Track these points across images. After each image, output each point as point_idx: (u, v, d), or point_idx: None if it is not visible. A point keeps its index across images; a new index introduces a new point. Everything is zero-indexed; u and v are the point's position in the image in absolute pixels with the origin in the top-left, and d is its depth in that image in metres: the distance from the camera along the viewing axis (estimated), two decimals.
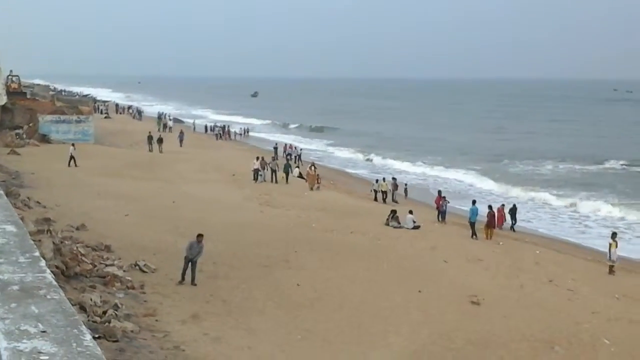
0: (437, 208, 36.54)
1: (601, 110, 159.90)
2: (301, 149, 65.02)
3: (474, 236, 32.29)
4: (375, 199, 42.49)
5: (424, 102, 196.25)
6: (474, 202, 35.17)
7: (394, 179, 45.72)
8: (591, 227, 38.82)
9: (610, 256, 27.13)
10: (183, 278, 20.55)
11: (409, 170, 61.13)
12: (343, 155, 72.80)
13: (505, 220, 35.60)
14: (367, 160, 68.71)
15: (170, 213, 31.15)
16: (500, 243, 31.31)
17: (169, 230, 27.42)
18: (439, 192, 38.82)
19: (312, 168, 46.08)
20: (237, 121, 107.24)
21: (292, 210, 35.03)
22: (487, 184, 53.13)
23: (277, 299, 20.04)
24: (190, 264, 20.69)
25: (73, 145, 47.29)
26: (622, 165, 64.67)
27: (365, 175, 57.88)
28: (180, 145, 65.21)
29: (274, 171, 45.68)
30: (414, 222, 33.29)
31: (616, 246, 27.27)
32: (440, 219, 35.91)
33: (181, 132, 69.79)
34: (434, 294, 21.82)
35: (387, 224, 33.24)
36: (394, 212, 34.22)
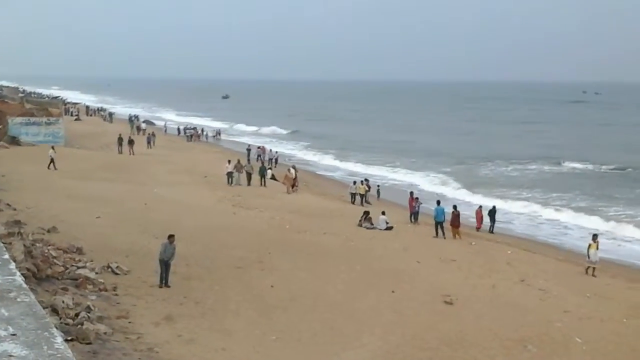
0: (410, 209, 36.64)
1: (566, 112, 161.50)
2: (277, 152, 64.31)
3: (440, 235, 32.65)
4: (353, 202, 42.13)
5: (392, 105, 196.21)
6: (438, 202, 35.46)
7: (366, 180, 45.80)
8: (564, 229, 39.08)
9: (589, 257, 27.14)
10: (161, 281, 20.46)
11: (380, 172, 61.02)
12: (315, 158, 72.43)
13: (483, 221, 35.79)
14: (339, 160, 68.51)
15: (142, 215, 30.95)
16: (473, 243, 31.47)
17: (141, 232, 27.27)
18: (411, 193, 38.93)
19: (291, 171, 45.79)
20: (208, 124, 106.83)
21: (265, 212, 34.97)
22: (454, 186, 53.29)
23: (251, 300, 20.00)
24: (165, 265, 20.63)
25: (53, 148, 46.97)
26: (583, 167, 65.25)
27: (336, 177, 57.90)
28: (148, 147, 64.94)
29: (249, 174, 45.33)
30: (387, 223, 33.38)
31: (597, 247, 27.20)
32: (412, 219, 36.02)
33: (149, 134, 69.59)
34: (407, 295, 21.89)
35: (360, 225, 33.31)
36: (366, 213, 34.30)
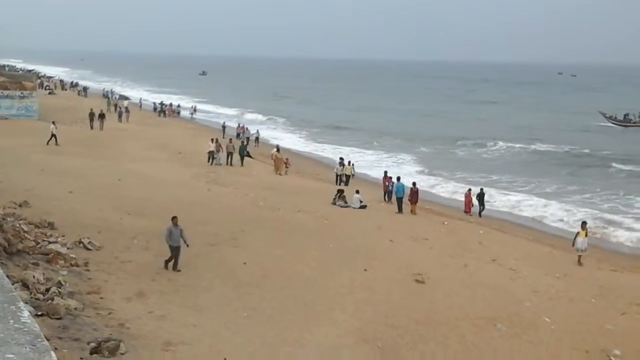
0: (384, 188, 36.77)
1: (534, 92, 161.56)
2: (257, 130, 63.14)
3: (400, 211, 33.35)
4: (338, 183, 40.91)
5: (358, 83, 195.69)
6: (398, 178, 35.92)
7: (341, 158, 45.78)
8: (535, 210, 39.38)
9: (575, 244, 26.59)
10: (176, 265, 20.13)
11: (350, 152, 60.84)
12: (287, 136, 71.90)
13: (472, 205, 35.88)
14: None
15: (116, 191, 30.81)
16: (446, 223, 31.67)
17: (114, 208, 27.16)
18: (385, 172, 39.00)
19: (274, 151, 45.25)
20: (183, 100, 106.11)
21: (239, 189, 34.93)
22: (419, 168, 53.08)
23: (223, 277, 20.01)
24: (175, 250, 20.26)
25: (54, 123, 46.77)
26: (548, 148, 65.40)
27: (311, 156, 57.81)
28: (119, 121, 64.81)
29: (230, 153, 44.20)
30: (361, 201, 33.49)
31: (585, 235, 26.69)
32: (386, 198, 36.19)
33: (120, 108, 69.23)
34: (379, 273, 22.01)
35: (334, 203, 33.37)
36: (340, 191, 34.38)
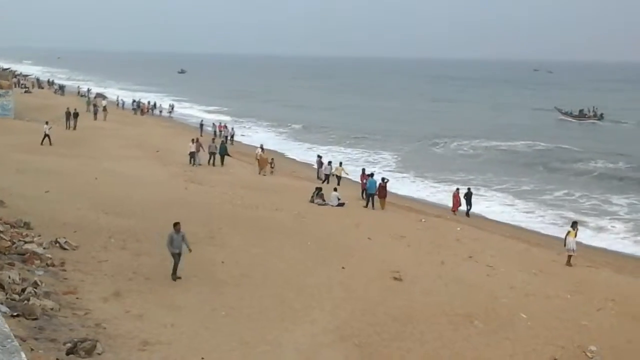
0: (362, 185, 36.83)
1: (502, 90, 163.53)
2: (233, 129, 62.91)
3: (370, 206, 33.85)
4: (326, 182, 39.76)
5: (327, 82, 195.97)
6: (371, 175, 36.20)
7: (319, 156, 45.77)
8: (507, 207, 39.70)
9: (566, 244, 26.20)
10: (175, 273, 19.53)
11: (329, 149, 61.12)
12: (266, 135, 71.80)
13: (460, 204, 35.80)
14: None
15: (93, 190, 30.65)
16: (423, 220, 31.78)
17: (91, 207, 27.01)
18: (363, 170, 39.08)
19: (258, 151, 44.54)
20: (162, 98, 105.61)
21: (217, 187, 34.86)
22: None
23: (201, 275, 19.97)
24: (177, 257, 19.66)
25: (47, 123, 46.60)
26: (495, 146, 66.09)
27: (287, 154, 57.72)
28: (95, 119, 64.62)
29: (212, 154, 43.60)
30: (339, 199, 33.54)
31: (575, 235, 26.29)
32: (364, 196, 36.23)
33: (96, 107, 68.83)
34: (357, 271, 22.06)
35: (312, 201, 33.39)
36: (319, 189, 34.39)
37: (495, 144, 66.34)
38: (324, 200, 33.42)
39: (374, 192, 34.16)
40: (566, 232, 26.69)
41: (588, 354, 17.16)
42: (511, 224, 34.88)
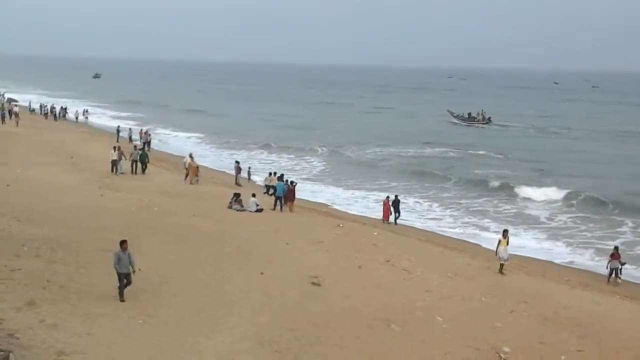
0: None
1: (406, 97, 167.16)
2: (149, 135, 60.75)
3: (279, 209, 34.46)
4: (268, 193, 38.54)
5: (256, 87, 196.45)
6: (280, 178, 37.05)
7: (237, 162, 45.65)
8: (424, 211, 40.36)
9: (497, 253, 26.23)
10: (122, 296, 18.54)
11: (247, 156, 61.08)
12: (183, 140, 71.51)
13: (391, 212, 35.73)
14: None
15: (4, 197, 29.88)
16: (341, 225, 32.02)
17: (3, 214, 26.35)
18: (281, 175, 39.14)
19: (186, 159, 42.96)
20: (76, 103, 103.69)
21: (133, 194, 34.40)
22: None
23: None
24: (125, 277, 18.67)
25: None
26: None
27: (202, 160, 57.34)
28: (2, 123, 63.62)
29: (134, 162, 42.17)
30: (257, 205, 33.53)
31: (507, 244, 26.21)
32: (284, 202, 36.28)
33: (3, 111, 67.36)
34: (276, 276, 22.10)
35: (230, 207, 33.28)
36: (237, 195, 34.29)
37: (395, 151, 67.23)
38: (242, 206, 33.36)
39: (282, 195, 34.73)
40: (497, 240, 26.65)
41: (502, 355, 17.59)
42: (426, 229, 35.40)
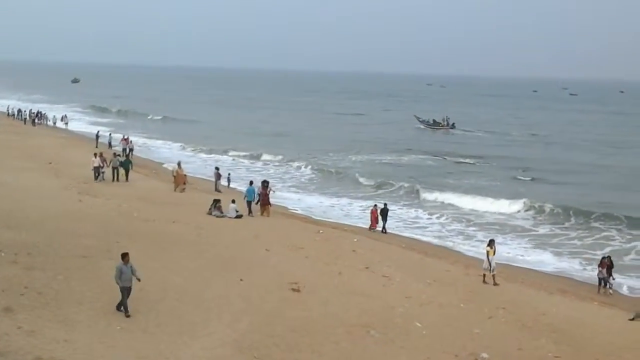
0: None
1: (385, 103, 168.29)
2: (131, 141, 59.46)
3: (250, 214, 34.39)
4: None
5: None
6: (251, 182, 37.11)
7: (216, 168, 45.52)
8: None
9: (490, 264, 25.65)
10: (127, 310, 18.02)
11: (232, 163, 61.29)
12: (157, 145, 71.44)
13: (378, 221, 35.42)
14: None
15: None
16: (321, 231, 32.05)
17: None
18: (263, 182, 39.03)
19: (179, 167, 42.05)
20: (54, 108, 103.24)
21: (112, 200, 34.25)
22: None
23: (96, 290, 19.57)
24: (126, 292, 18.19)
25: None
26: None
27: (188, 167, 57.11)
28: None
29: (115, 169, 41.43)
30: (237, 211, 33.50)
31: (494, 253, 25.84)
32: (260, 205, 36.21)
33: None
34: (255, 282, 22.08)
35: (210, 213, 33.23)
36: (216, 201, 34.22)
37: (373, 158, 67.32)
38: (222, 212, 33.31)
39: (251, 200, 34.92)
40: (485, 251, 26.20)
41: None
42: (407, 235, 35.48)
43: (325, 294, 21.82)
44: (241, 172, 53.43)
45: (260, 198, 35.14)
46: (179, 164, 43.41)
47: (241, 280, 22.16)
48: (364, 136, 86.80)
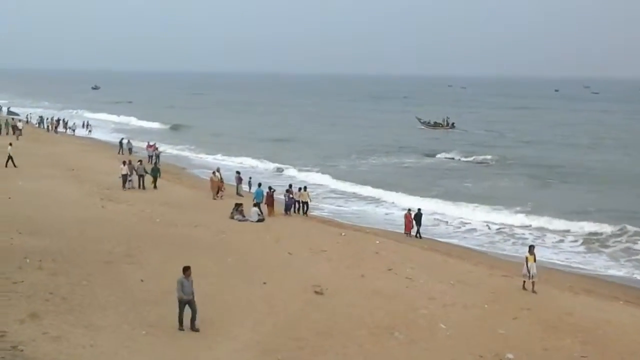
0: (286, 201, 36.82)
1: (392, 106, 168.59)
2: (158, 149, 57.86)
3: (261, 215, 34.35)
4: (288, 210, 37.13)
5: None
6: (259, 184, 37.53)
7: (237, 172, 45.54)
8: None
9: (530, 271, 24.73)
10: (181, 323, 17.80)
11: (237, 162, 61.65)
12: (180, 151, 71.13)
13: (413, 226, 34.92)
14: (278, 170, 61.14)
15: (6, 209, 29.94)
16: (343, 234, 32.00)
17: (5, 227, 26.40)
18: (290, 185, 38.93)
19: (216, 174, 41.39)
20: (76, 115, 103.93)
21: (135, 205, 34.41)
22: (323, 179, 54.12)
23: (120, 295, 19.68)
24: (188, 305, 17.83)
25: (11, 144, 46.36)
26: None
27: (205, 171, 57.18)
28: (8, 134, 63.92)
29: (141, 176, 41.10)
30: (259, 214, 33.53)
31: (534, 260, 24.92)
32: (285, 211, 36.27)
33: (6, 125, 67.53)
34: (278, 286, 22.08)
35: (232, 217, 33.29)
36: (238, 205, 34.28)
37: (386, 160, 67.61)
38: (243, 216, 33.37)
39: (260, 201, 35.21)
40: (525, 257, 25.34)
41: None
42: (428, 236, 35.25)
43: (348, 296, 21.78)
44: (261, 177, 53.27)
45: (265, 199, 35.62)
46: (218, 170, 42.81)
47: (264, 283, 22.18)
48: (375, 140, 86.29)
